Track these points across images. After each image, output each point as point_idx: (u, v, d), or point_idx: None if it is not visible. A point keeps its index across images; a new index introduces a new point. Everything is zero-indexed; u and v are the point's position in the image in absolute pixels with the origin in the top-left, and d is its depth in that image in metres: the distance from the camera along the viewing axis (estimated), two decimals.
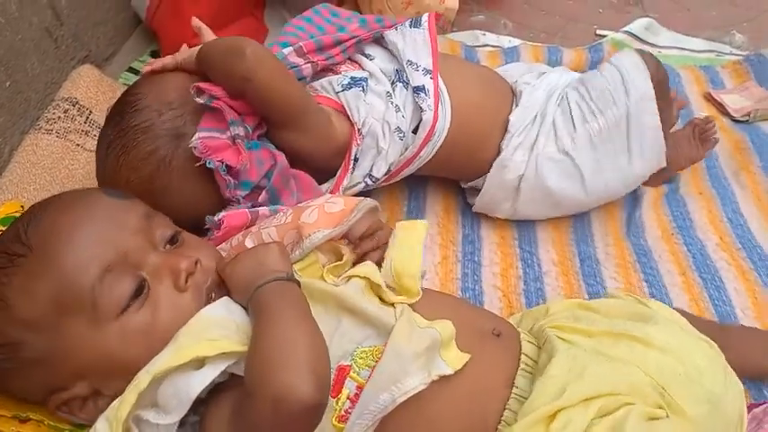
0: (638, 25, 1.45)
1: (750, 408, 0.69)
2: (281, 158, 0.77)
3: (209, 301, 0.57)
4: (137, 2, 1.25)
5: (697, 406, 0.57)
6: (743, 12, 1.61)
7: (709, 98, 1.26)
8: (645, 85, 0.86)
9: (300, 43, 0.82)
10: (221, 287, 0.59)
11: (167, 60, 0.81)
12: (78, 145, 1.00)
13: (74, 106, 1.03)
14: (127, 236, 0.56)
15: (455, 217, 1.00)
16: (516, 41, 1.44)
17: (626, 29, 1.44)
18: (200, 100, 0.73)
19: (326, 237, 0.65)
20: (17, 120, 0.97)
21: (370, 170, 0.84)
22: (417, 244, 0.64)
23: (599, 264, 0.93)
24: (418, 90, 0.83)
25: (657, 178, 1.00)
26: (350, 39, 0.85)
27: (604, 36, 1.47)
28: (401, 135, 0.84)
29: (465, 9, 1.58)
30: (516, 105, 0.91)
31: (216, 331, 0.53)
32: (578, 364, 0.56)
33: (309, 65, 0.83)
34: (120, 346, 0.53)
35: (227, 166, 0.72)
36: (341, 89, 0.82)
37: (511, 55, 1.32)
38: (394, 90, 0.85)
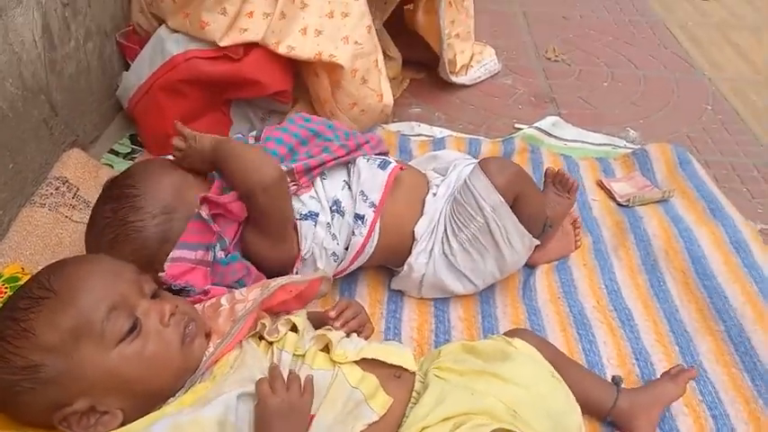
0: (546, 122, 1.72)
1: None
2: (253, 270, 0.97)
3: (185, 333, 0.76)
4: (122, 92, 1.46)
5: (542, 422, 0.78)
6: (640, 110, 1.90)
7: (600, 185, 1.51)
8: (493, 197, 1.06)
9: (292, 166, 1.00)
10: (196, 324, 0.79)
11: (178, 143, 0.99)
12: (67, 217, 1.18)
13: (64, 184, 1.22)
14: (125, 284, 0.76)
15: (384, 279, 1.20)
16: (446, 132, 1.69)
17: (536, 125, 1.71)
18: (202, 213, 0.92)
19: (286, 281, 0.86)
20: (16, 195, 1.15)
21: None
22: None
23: (497, 320, 1.14)
24: (358, 218, 1.05)
25: (546, 243, 1.23)
26: (331, 161, 1.05)
27: (521, 129, 1.74)
28: (335, 258, 1.06)
29: (405, 102, 1.84)
30: (423, 214, 1.12)
31: None
32: (444, 394, 0.76)
33: (295, 186, 1.02)
34: (119, 367, 0.71)
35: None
36: (299, 217, 1.02)
37: (439, 145, 1.57)
38: (333, 219, 1.05)
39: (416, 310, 1.15)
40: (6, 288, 0.95)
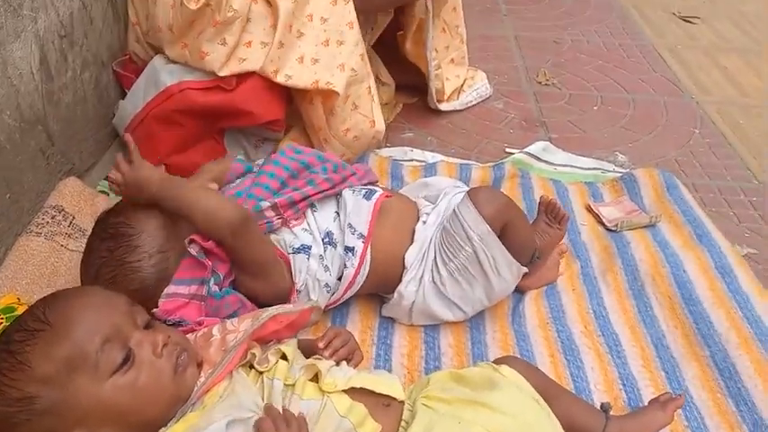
0: (536, 147, 1.75)
1: None
2: (248, 303, 0.99)
3: (177, 363, 0.78)
4: (117, 121, 1.48)
5: None
6: (629, 134, 1.93)
7: (589, 209, 1.54)
8: (482, 227, 1.08)
9: (276, 200, 1.03)
10: (188, 353, 0.81)
11: (113, 175, 1.02)
12: (62, 246, 1.20)
13: (60, 213, 1.25)
14: (118, 316, 0.78)
15: (375, 306, 1.22)
16: (438, 156, 1.72)
17: (526, 150, 1.74)
18: (192, 251, 0.95)
19: (277, 311, 0.89)
20: (13, 224, 1.17)
21: None
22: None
23: (486, 347, 1.16)
24: (348, 250, 1.08)
25: (535, 271, 1.25)
26: (316, 194, 1.07)
27: (512, 153, 1.77)
28: (328, 289, 1.08)
29: (398, 127, 1.87)
30: (413, 242, 1.15)
31: None
32: (432, 423, 0.78)
33: (280, 219, 1.05)
34: (113, 397, 0.73)
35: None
36: (291, 251, 1.05)
37: (430, 171, 1.60)
38: (325, 252, 1.07)
39: (407, 336, 1.16)
40: (2, 318, 0.96)
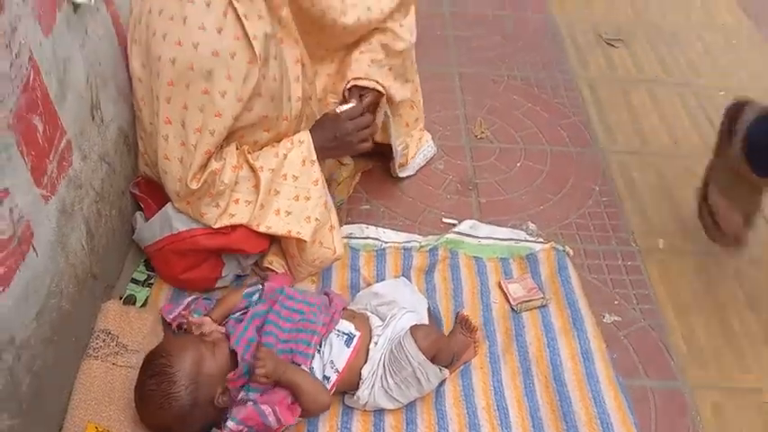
0: (464, 226, 2.20)
1: None
2: None
3: None
4: (137, 238, 1.89)
5: None
6: (541, 195, 2.36)
7: (500, 286, 2.04)
8: (419, 356, 1.58)
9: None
10: None
11: (260, 371, 1.48)
12: (114, 364, 1.66)
13: (108, 335, 1.70)
14: None
15: (339, 398, 1.72)
16: (390, 234, 2.17)
17: (456, 230, 2.19)
18: (219, 402, 1.46)
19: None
20: (80, 354, 1.63)
21: None
22: None
23: (416, 426, 1.68)
24: (325, 378, 1.58)
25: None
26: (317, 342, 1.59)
27: (450, 223, 2.23)
28: None
29: (357, 198, 2.30)
30: (367, 360, 1.65)
31: None
32: None
33: None
34: None
35: None
36: None
37: (381, 259, 2.06)
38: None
39: (361, 420, 1.69)
40: None
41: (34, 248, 1.33)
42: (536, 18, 3.26)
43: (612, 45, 3.14)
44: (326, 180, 2.03)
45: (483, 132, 2.62)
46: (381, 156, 2.33)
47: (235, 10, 1.52)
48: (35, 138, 1.31)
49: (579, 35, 3.20)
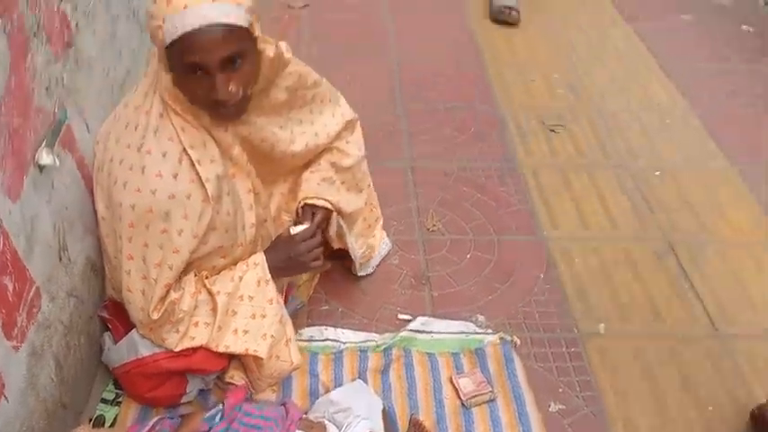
0: (417, 322, 2.35)
1: None
2: None
3: None
4: (105, 360, 2.02)
5: None
6: (489, 286, 2.50)
7: (451, 381, 2.17)
8: None
9: None
10: None
11: None
12: None
13: None
14: None
15: None
16: (348, 333, 2.30)
17: (409, 327, 2.34)
18: None
19: None
20: None
21: None
22: None
23: None
24: None
25: None
26: None
27: (405, 319, 2.37)
28: None
29: (317, 299, 2.44)
30: None
31: None
32: None
33: None
34: None
35: None
36: None
37: (338, 362, 2.20)
38: None
39: None
40: None
41: (5, 397, 1.45)
42: (483, 109, 3.48)
43: (554, 131, 3.36)
44: (288, 284, 2.19)
45: (435, 225, 2.79)
46: (339, 256, 2.48)
47: (189, 157, 1.69)
48: (5, 296, 1.45)
49: (524, 123, 3.41)
